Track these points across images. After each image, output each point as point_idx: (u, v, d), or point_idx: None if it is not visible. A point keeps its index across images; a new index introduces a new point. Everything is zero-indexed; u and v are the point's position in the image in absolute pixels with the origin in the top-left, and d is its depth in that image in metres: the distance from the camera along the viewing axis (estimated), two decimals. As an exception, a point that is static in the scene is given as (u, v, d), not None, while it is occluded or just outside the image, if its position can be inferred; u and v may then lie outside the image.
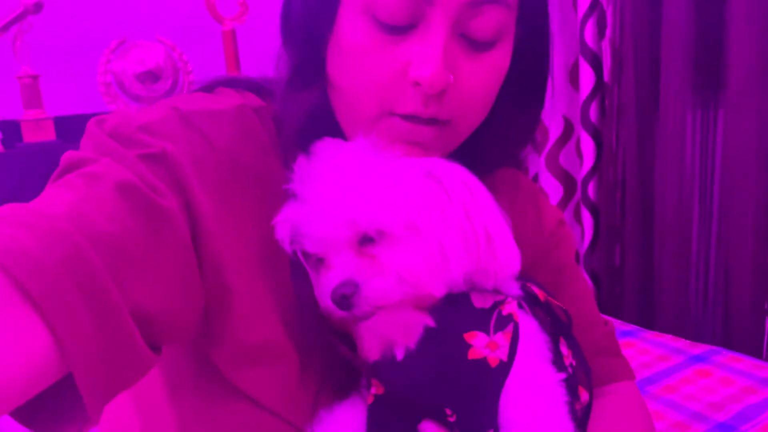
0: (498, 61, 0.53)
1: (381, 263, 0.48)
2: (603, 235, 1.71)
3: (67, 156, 0.47)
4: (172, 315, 0.46)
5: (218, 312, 0.51)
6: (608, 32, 1.58)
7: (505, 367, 0.49)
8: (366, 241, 0.49)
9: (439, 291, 0.49)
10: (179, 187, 0.48)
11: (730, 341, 1.45)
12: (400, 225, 0.48)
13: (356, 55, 0.51)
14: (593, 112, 1.67)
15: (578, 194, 1.79)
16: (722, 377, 1.22)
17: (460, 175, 0.52)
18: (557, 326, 0.54)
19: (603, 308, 1.74)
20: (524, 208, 0.69)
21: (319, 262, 0.50)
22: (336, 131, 0.55)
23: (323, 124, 0.55)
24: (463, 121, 0.53)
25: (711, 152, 1.54)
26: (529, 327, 0.51)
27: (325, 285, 0.49)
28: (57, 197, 0.43)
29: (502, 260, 0.51)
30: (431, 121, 0.51)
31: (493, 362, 0.49)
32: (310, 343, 0.53)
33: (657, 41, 1.52)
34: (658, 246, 1.59)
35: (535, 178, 1.85)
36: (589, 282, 1.75)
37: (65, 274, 0.38)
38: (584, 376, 0.58)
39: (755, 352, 1.39)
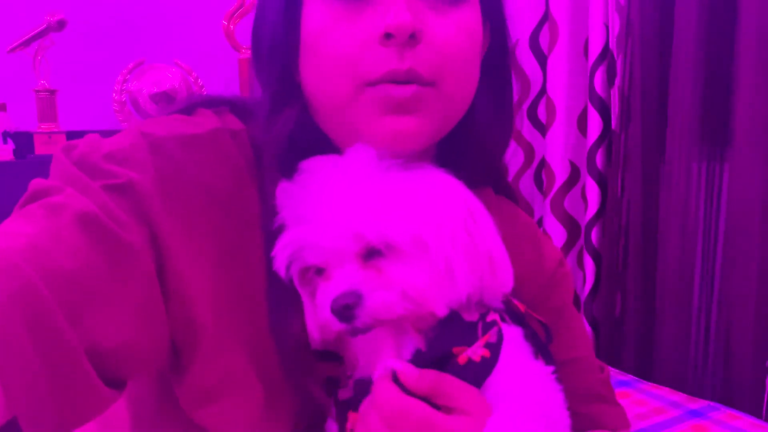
0: (466, 21, 0.52)
1: (386, 277, 0.47)
2: (604, 283, 1.69)
3: (34, 184, 0.47)
4: (134, 350, 0.44)
5: (185, 346, 0.49)
6: (617, 80, 1.60)
7: (488, 363, 0.48)
8: (371, 254, 0.48)
9: (441, 311, 0.48)
10: (145, 218, 0.47)
11: (729, 398, 1.42)
12: (407, 240, 0.47)
13: (321, 36, 0.51)
14: (599, 159, 1.67)
15: (581, 240, 1.78)
16: (719, 434, 1.19)
17: (460, 191, 0.51)
18: (535, 342, 0.53)
19: (601, 356, 1.71)
20: (522, 244, 0.66)
21: (319, 274, 0.49)
22: (317, 153, 0.53)
23: (303, 145, 0.54)
24: (446, 80, 0.52)
25: (716, 205, 1.54)
26: (513, 333, 0.51)
27: (325, 296, 0.47)
28: (15, 229, 0.42)
29: (500, 279, 0.51)
30: (412, 80, 0.50)
31: (477, 358, 0.48)
32: (280, 376, 0.51)
33: (665, 92, 1.53)
34: (659, 296, 1.57)
35: (540, 222, 1.85)
36: (589, 329, 1.73)
37: (14, 312, 0.37)
38: None
39: (755, 410, 1.36)
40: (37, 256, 0.40)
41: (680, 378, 1.52)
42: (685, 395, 1.37)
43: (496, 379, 0.48)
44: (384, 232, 0.47)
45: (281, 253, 0.49)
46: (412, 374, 0.48)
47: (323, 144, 0.55)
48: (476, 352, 0.48)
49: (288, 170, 0.52)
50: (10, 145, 1.61)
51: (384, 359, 0.49)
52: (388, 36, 0.48)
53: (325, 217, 0.48)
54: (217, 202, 0.51)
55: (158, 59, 1.77)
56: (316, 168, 0.51)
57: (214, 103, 0.58)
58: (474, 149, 0.59)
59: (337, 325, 0.47)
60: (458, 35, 0.52)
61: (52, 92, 1.64)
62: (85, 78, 1.81)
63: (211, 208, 0.50)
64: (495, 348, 0.49)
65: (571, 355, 0.63)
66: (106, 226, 0.44)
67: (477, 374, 0.48)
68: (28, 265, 0.39)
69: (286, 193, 0.51)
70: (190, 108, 0.57)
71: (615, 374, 1.50)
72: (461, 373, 0.48)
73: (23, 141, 1.63)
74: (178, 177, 0.49)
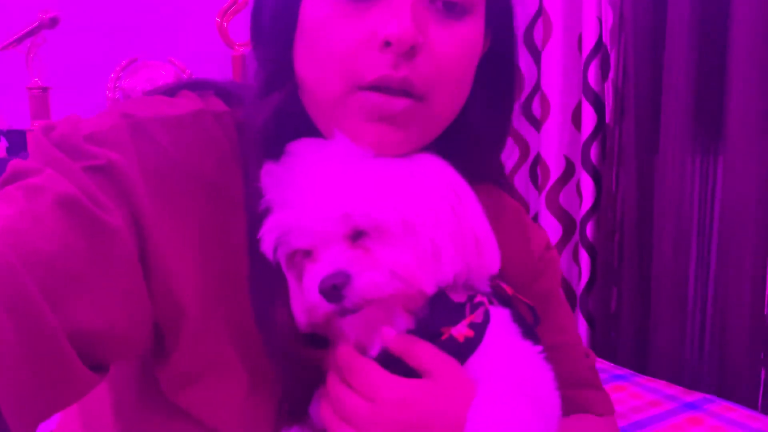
0: (468, 34, 0.52)
1: (374, 257, 0.47)
2: (600, 277, 1.69)
3: (12, 165, 0.46)
4: (116, 333, 0.44)
5: (169, 329, 0.49)
6: (611, 74, 1.60)
7: (471, 342, 0.48)
8: (358, 235, 0.48)
9: (429, 289, 0.48)
10: (126, 200, 0.46)
11: (724, 390, 1.42)
12: (394, 221, 0.47)
13: (320, 29, 0.50)
14: (594, 153, 1.67)
15: (577, 234, 1.78)
16: (714, 426, 1.19)
17: (447, 174, 0.52)
18: (522, 324, 0.53)
19: (597, 350, 1.71)
20: (509, 228, 0.67)
21: (306, 256, 0.49)
22: (302, 136, 0.53)
23: (290, 129, 0.53)
24: (437, 96, 0.51)
25: (710, 198, 1.54)
26: (501, 314, 0.51)
27: (313, 277, 0.47)
28: None
29: (487, 261, 0.51)
30: (404, 92, 0.49)
31: (460, 337, 0.48)
32: (264, 360, 0.51)
33: (658, 85, 1.53)
34: (654, 290, 1.57)
35: (535, 218, 1.85)
36: (585, 324, 1.73)
37: None
38: None
39: (750, 402, 1.36)
40: (16, 239, 0.39)
41: (676, 371, 1.52)
42: (681, 388, 1.37)
43: (480, 357, 0.49)
44: (371, 213, 0.47)
45: (268, 236, 0.49)
46: (391, 333, 0.49)
47: (310, 127, 0.54)
48: (460, 331, 0.49)
49: (273, 153, 0.52)
50: (3, 143, 1.61)
51: (374, 339, 0.48)
52: (387, 44, 0.48)
53: (312, 199, 0.48)
54: (200, 183, 0.50)
55: (152, 56, 1.77)
56: (302, 150, 0.51)
57: (198, 86, 0.58)
58: (468, 147, 0.59)
59: (325, 306, 0.47)
60: (458, 50, 0.51)
61: (45, 90, 1.64)
62: (78, 75, 1.80)
63: (193, 190, 0.50)
64: (480, 328, 0.49)
65: (558, 340, 0.63)
66: (86, 208, 0.43)
67: (459, 352, 0.49)
68: (6, 248, 0.38)
69: (271, 175, 0.51)
70: (173, 90, 0.57)
71: (611, 368, 1.50)
72: (441, 348, 0.49)
73: (16, 139, 1.62)
74: (159, 158, 0.49)
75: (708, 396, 1.32)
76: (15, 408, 0.37)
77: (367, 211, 0.47)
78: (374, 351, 0.49)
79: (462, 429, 0.46)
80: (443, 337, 0.48)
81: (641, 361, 1.61)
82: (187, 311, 0.49)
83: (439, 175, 0.51)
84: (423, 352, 0.48)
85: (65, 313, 0.40)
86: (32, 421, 0.39)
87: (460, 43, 0.51)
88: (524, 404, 0.46)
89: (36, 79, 1.64)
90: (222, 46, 1.81)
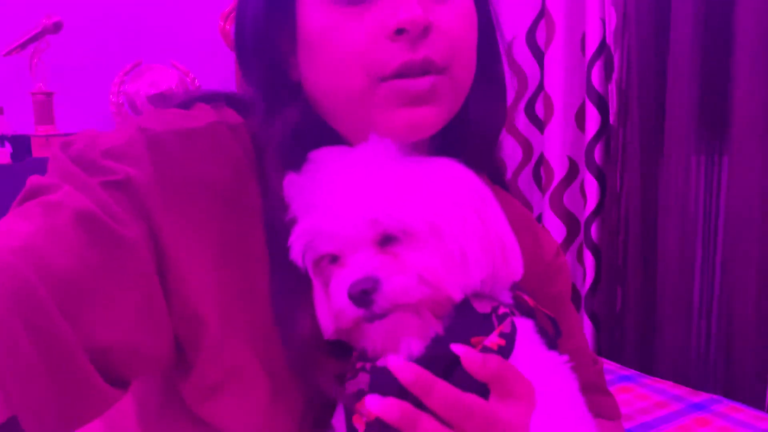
0: (464, 6, 0.53)
1: (403, 262, 0.47)
2: (605, 278, 1.69)
3: (31, 181, 0.46)
4: (136, 348, 0.44)
5: (189, 342, 0.49)
6: (615, 75, 1.60)
7: (504, 352, 0.48)
8: (387, 240, 0.48)
9: (457, 295, 0.48)
10: (143, 214, 0.46)
11: (731, 390, 1.42)
12: (422, 226, 0.47)
13: (327, 36, 0.50)
14: (598, 154, 1.67)
15: (581, 235, 1.78)
16: (722, 427, 1.19)
17: (471, 179, 0.52)
18: (544, 336, 0.53)
19: (603, 351, 1.71)
20: (522, 234, 0.67)
21: (333, 261, 0.49)
22: (320, 146, 0.53)
23: (304, 140, 0.53)
24: (456, 65, 0.52)
25: (715, 198, 1.54)
26: (526, 325, 0.51)
27: (341, 283, 0.47)
28: (12, 227, 0.42)
29: (512, 266, 0.52)
30: (426, 71, 0.50)
31: (493, 346, 0.48)
32: (287, 370, 0.51)
33: (663, 86, 1.53)
34: (660, 290, 1.57)
35: (539, 218, 1.85)
36: (590, 324, 1.73)
37: (11, 312, 0.37)
38: None
39: (757, 402, 1.36)
40: (34, 255, 0.40)
41: (682, 372, 1.52)
42: (688, 389, 1.36)
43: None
44: (400, 217, 0.47)
45: (297, 243, 0.49)
46: (476, 359, 0.46)
47: (327, 138, 0.55)
48: (492, 341, 0.49)
49: (291, 164, 0.52)
50: (8, 149, 1.61)
51: (402, 345, 0.48)
52: (400, 31, 0.49)
53: (340, 204, 0.48)
54: (217, 195, 0.51)
55: (155, 60, 1.77)
56: (326, 158, 0.51)
57: (211, 98, 0.58)
58: (468, 134, 0.59)
59: (353, 312, 0.47)
60: (461, 21, 0.53)
61: (49, 95, 1.64)
62: (82, 80, 1.80)
63: (210, 202, 0.50)
64: (510, 337, 0.49)
65: (569, 346, 0.64)
66: (103, 224, 0.43)
67: None
68: (24, 265, 0.39)
69: (294, 185, 0.51)
70: (187, 103, 0.57)
71: (617, 369, 1.50)
72: None
73: (20, 144, 1.62)
74: (176, 172, 0.49)
75: (715, 396, 1.32)
76: (35, 423, 0.37)
77: (396, 216, 0.47)
78: (402, 356, 0.49)
79: None
80: (478, 348, 0.48)
81: (647, 362, 1.61)
82: (207, 323, 0.49)
83: (464, 181, 0.51)
84: (513, 376, 0.47)
85: (83, 328, 0.41)
86: None
87: (460, 14, 0.53)
88: (573, 415, 0.46)
89: (40, 84, 1.64)
90: (225, 49, 1.81)
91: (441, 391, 0.45)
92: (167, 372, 0.51)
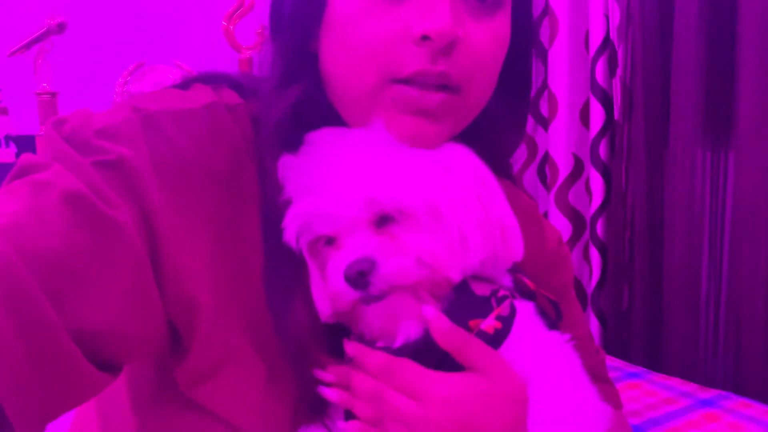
0: (500, 29, 0.52)
1: (400, 243, 0.46)
2: (611, 275, 1.68)
3: (22, 159, 0.46)
4: (124, 332, 0.43)
5: (184, 326, 0.48)
6: (619, 71, 1.59)
7: (500, 334, 0.48)
8: (384, 221, 0.47)
9: (456, 276, 0.48)
10: (136, 196, 0.45)
11: (740, 386, 1.40)
12: (420, 206, 0.47)
13: (353, 22, 0.49)
14: (603, 151, 1.66)
15: (587, 233, 1.77)
16: (731, 423, 1.17)
17: (472, 161, 0.51)
18: (546, 318, 0.52)
19: (610, 348, 1.69)
20: (525, 223, 0.67)
21: (329, 243, 0.49)
22: (320, 127, 0.53)
23: (308, 121, 0.53)
24: (472, 88, 0.51)
25: (722, 194, 1.52)
26: (526, 307, 0.51)
27: (337, 264, 0.47)
28: None
29: (512, 248, 0.51)
30: (441, 87, 0.49)
31: (489, 330, 0.48)
32: (280, 354, 0.50)
33: (667, 81, 1.52)
34: (666, 287, 1.55)
35: (545, 216, 1.83)
36: (596, 322, 1.72)
37: None
38: None
39: (767, 398, 1.34)
40: (19, 235, 0.39)
41: (690, 368, 1.51)
42: (696, 385, 1.35)
43: (510, 348, 0.48)
44: (397, 197, 0.46)
45: (291, 225, 0.49)
46: (444, 326, 0.47)
47: (329, 119, 0.54)
48: (488, 324, 0.48)
49: (289, 145, 0.51)
50: (12, 149, 1.61)
51: (401, 327, 0.48)
52: (425, 38, 0.47)
53: (336, 185, 0.47)
54: (212, 177, 0.50)
55: (159, 60, 1.77)
56: (324, 139, 0.51)
57: (212, 79, 0.57)
58: (485, 144, 0.58)
59: (350, 294, 0.46)
60: (492, 45, 0.51)
61: (53, 95, 1.64)
62: (86, 80, 1.81)
63: (205, 184, 0.49)
64: (507, 320, 0.49)
65: (572, 334, 0.63)
66: (93, 205, 0.42)
67: (489, 345, 0.48)
68: (8, 246, 0.38)
69: (290, 166, 0.50)
70: (186, 83, 0.56)
71: (624, 366, 1.48)
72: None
73: (25, 144, 1.63)
74: (170, 152, 0.48)
75: (723, 392, 1.31)
76: (19, 408, 0.37)
77: (393, 196, 0.46)
78: (400, 340, 0.48)
79: (522, 428, 0.45)
80: (473, 332, 0.48)
81: (654, 359, 1.60)
82: (201, 306, 0.48)
83: (465, 162, 0.51)
84: (474, 348, 0.47)
85: (69, 311, 0.40)
86: (38, 422, 0.39)
87: (493, 37, 0.51)
88: (577, 391, 0.46)
89: (44, 85, 1.64)
90: (229, 50, 1.82)
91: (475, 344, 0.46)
92: (161, 356, 0.50)
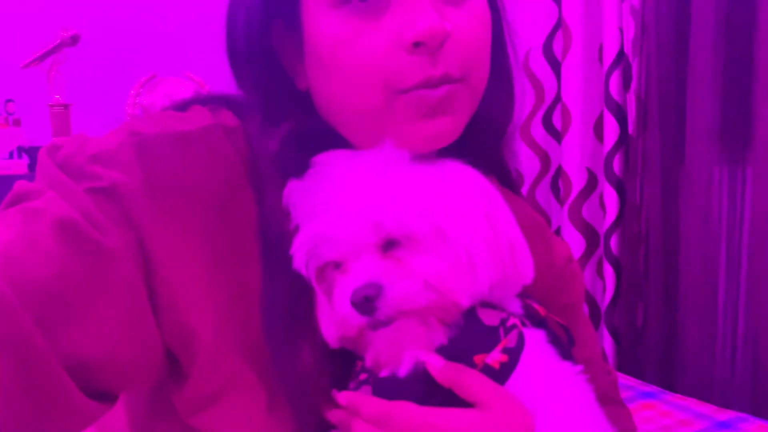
0: (477, 9, 0.51)
1: (407, 267, 0.45)
2: (625, 292, 1.65)
3: (16, 187, 0.45)
4: (118, 360, 0.43)
5: (183, 353, 0.47)
6: (633, 84, 1.57)
7: (506, 367, 0.46)
8: (390, 245, 0.46)
9: (465, 301, 0.46)
10: (130, 222, 0.45)
11: (758, 408, 1.37)
12: (427, 230, 0.46)
13: (341, 45, 0.48)
14: (617, 165, 1.64)
15: (601, 248, 1.74)
16: (749, 446, 1.14)
17: (479, 182, 0.50)
18: (558, 345, 0.51)
19: (624, 367, 1.66)
20: (533, 240, 0.65)
21: (336, 268, 0.48)
22: (320, 151, 0.52)
23: (307, 147, 0.51)
24: (474, 73, 0.51)
25: (739, 210, 1.49)
26: (536, 336, 0.49)
27: (344, 289, 0.45)
28: None
29: (521, 270, 0.50)
30: (445, 82, 0.48)
31: (495, 364, 0.46)
32: (279, 381, 0.49)
33: (683, 94, 1.50)
34: (682, 305, 1.53)
35: (558, 231, 1.81)
36: (610, 339, 1.69)
37: None
38: None
39: (786, 421, 1.30)
40: (9, 265, 0.39)
41: (706, 389, 1.47)
42: (713, 406, 1.32)
43: (517, 382, 0.46)
44: (403, 221, 0.45)
45: (299, 251, 0.47)
46: (437, 364, 0.46)
47: (333, 144, 0.52)
48: (494, 358, 0.47)
49: (290, 172, 0.50)
50: (25, 160, 1.62)
51: (407, 354, 0.46)
52: (417, 44, 0.46)
53: (342, 209, 0.46)
54: (209, 201, 0.49)
55: (171, 73, 1.78)
56: (330, 162, 0.49)
57: (210, 101, 0.56)
58: (476, 131, 0.57)
59: (357, 319, 0.45)
60: (476, 25, 0.50)
61: (66, 107, 1.65)
62: (99, 92, 1.82)
63: (202, 208, 0.48)
64: (514, 352, 0.47)
65: (582, 355, 0.61)
66: (84, 233, 0.42)
67: (495, 379, 0.46)
68: (1, 276, 0.38)
69: (296, 191, 0.49)
70: (184, 105, 0.55)
71: (638, 385, 1.45)
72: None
73: (37, 156, 1.64)
74: (166, 177, 0.47)
75: (741, 414, 1.27)
76: None
77: (399, 219, 0.45)
78: (405, 368, 0.47)
79: None
80: (479, 367, 0.46)
81: (669, 378, 1.56)
82: (198, 333, 0.47)
83: (472, 183, 0.50)
84: (474, 382, 0.46)
85: (61, 340, 0.40)
86: None
87: (474, 19, 0.50)
88: (589, 425, 0.44)
89: (57, 96, 1.65)
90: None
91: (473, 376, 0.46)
92: (159, 383, 0.50)
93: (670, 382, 1.55)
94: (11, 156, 1.65)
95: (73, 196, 0.43)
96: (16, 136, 1.64)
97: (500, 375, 0.46)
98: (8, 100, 1.74)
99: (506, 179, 0.65)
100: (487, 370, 0.46)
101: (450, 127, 0.50)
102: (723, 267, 1.51)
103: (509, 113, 0.60)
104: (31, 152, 1.65)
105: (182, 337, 0.47)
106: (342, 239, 0.46)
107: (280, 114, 0.52)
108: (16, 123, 1.67)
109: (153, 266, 0.45)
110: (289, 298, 0.49)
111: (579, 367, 0.49)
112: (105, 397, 0.43)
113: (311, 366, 0.48)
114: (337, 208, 0.46)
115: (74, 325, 0.40)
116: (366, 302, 0.44)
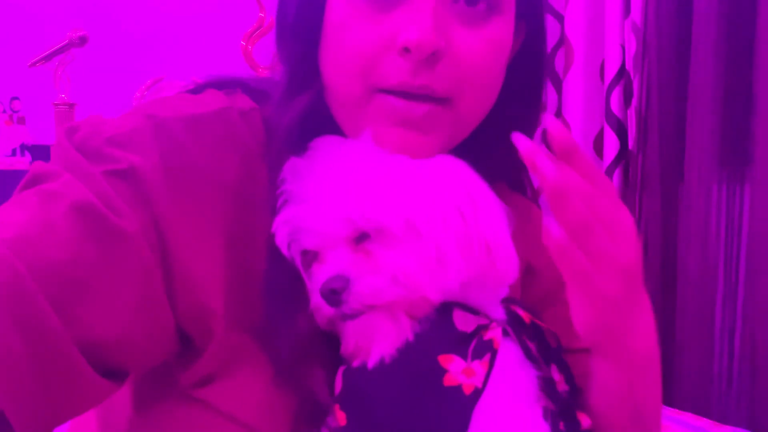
0: (496, 34, 0.50)
1: (376, 261, 0.46)
2: (623, 306, 1.66)
3: (33, 168, 0.46)
4: (131, 341, 0.44)
5: (198, 332, 0.48)
6: (634, 101, 1.59)
7: (477, 394, 0.45)
8: (362, 238, 0.47)
9: (434, 296, 0.47)
10: (146, 205, 0.45)
11: (756, 423, 1.37)
12: (398, 224, 0.46)
13: (342, 30, 0.49)
14: (616, 180, 1.66)
15: (598, 263, 1.75)
16: (747, 460, 1.14)
17: (461, 176, 0.50)
18: (546, 350, 0.51)
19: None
20: (537, 240, 0.66)
21: (315, 257, 0.49)
22: (329, 134, 0.53)
23: (317, 129, 0.52)
24: (462, 99, 0.49)
25: (737, 226, 1.51)
26: (512, 356, 0.48)
27: (315, 280, 0.47)
28: (7, 218, 0.42)
29: (500, 269, 0.49)
30: (425, 97, 0.48)
31: (468, 389, 0.45)
32: (277, 363, 0.49)
33: (683, 111, 1.52)
34: (679, 320, 1.53)
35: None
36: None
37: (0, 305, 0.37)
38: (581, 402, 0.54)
39: (783, 437, 1.31)
40: (26, 247, 0.40)
41: (703, 403, 1.48)
42: (710, 421, 1.32)
43: (478, 413, 0.45)
44: (373, 216, 0.46)
45: (280, 230, 0.49)
46: (562, 131, 0.45)
47: (334, 126, 0.54)
48: (467, 382, 0.45)
49: (300, 150, 0.51)
50: (27, 157, 1.62)
51: (376, 346, 0.47)
52: (406, 50, 0.47)
53: (320, 200, 0.47)
54: (224, 183, 0.49)
55: (176, 77, 1.79)
56: (323, 147, 0.51)
57: (225, 84, 0.56)
58: (495, 148, 0.57)
59: (327, 310, 0.46)
60: (486, 51, 0.50)
61: (71, 106, 1.66)
62: (104, 93, 1.83)
63: (217, 190, 0.49)
64: (486, 378, 0.46)
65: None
66: (101, 215, 0.42)
67: (465, 405, 0.45)
68: (16, 257, 0.39)
69: (293, 169, 0.50)
70: (199, 89, 0.55)
71: (635, 399, 1.45)
72: (447, 394, 0.45)
73: (40, 154, 1.64)
74: (182, 159, 0.48)
75: (739, 429, 1.27)
76: (22, 417, 0.38)
77: (369, 214, 0.46)
78: (374, 359, 0.47)
79: None
80: (445, 368, 0.46)
81: (665, 393, 1.55)
82: (214, 311, 0.48)
83: (452, 177, 0.49)
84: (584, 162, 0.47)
85: (75, 322, 0.40)
86: (42, 430, 0.39)
87: (486, 45, 0.49)
88: None
89: (63, 96, 1.66)
90: (246, 69, 1.84)
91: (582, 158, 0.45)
92: (167, 360, 0.50)
93: (666, 397, 1.54)
94: (14, 153, 1.65)
95: (89, 179, 0.44)
96: (20, 134, 1.65)
97: (473, 399, 0.45)
98: (13, 98, 1.74)
99: (517, 184, 0.65)
100: (458, 394, 0.45)
101: (419, 144, 0.50)
102: (721, 283, 1.52)
103: (530, 129, 0.59)
104: (34, 150, 1.65)
105: (198, 317, 0.47)
106: (317, 231, 0.47)
107: (301, 87, 0.53)
108: (21, 121, 1.67)
109: (169, 248, 0.46)
110: (289, 276, 0.50)
111: (541, 406, 0.48)
112: (116, 375, 0.44)
113: (307, 338, 0.49)
114: (316, 199, 0.48)
115: (88, 307, 0.41)
116: (333, 295, 0.45)
